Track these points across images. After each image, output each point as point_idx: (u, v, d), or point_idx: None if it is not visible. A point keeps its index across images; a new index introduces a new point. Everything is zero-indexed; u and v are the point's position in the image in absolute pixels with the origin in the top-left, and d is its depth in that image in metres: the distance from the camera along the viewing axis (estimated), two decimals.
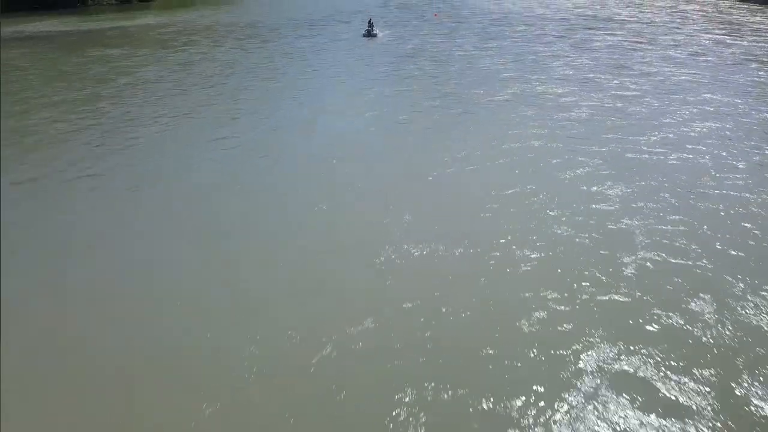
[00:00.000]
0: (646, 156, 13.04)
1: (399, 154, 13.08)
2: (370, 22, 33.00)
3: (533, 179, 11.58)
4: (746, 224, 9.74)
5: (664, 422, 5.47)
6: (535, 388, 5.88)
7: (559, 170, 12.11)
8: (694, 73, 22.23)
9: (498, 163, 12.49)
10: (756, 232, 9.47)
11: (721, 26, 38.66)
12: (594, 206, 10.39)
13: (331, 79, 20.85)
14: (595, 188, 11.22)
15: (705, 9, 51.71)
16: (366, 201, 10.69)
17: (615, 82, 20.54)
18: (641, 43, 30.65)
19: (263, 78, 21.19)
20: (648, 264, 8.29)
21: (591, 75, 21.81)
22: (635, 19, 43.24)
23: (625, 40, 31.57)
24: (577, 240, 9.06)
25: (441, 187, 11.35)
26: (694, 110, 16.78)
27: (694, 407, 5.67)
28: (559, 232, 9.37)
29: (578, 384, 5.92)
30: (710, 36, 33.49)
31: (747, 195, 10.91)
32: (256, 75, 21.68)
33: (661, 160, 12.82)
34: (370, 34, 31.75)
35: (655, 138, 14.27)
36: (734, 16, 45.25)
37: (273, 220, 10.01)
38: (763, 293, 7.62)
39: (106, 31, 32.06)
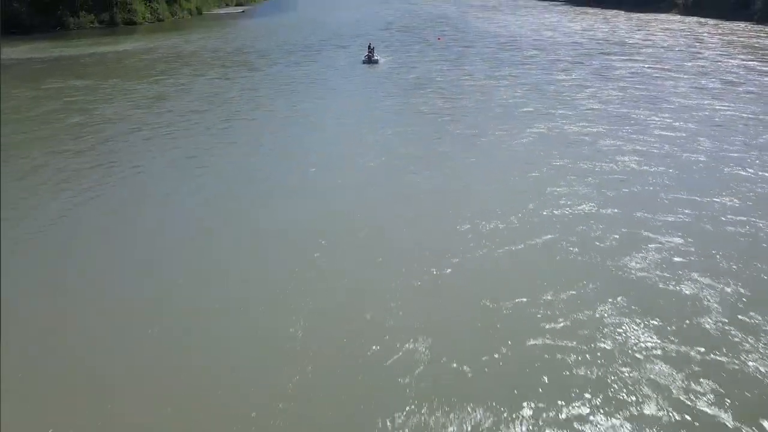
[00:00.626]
0: (734, 228, 10.00)
1: (411, 231, 9.97)
2: (370, 47, 30.34)
3: (584, 265, 8.54)
4: None
5: None
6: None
7: (620, 253, 9.05)
8: (742, 107, 19.41)
9: (535, 243, 9.46)
10: None
11: (745, 51, 36.03)
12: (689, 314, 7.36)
13: (325, 118, 17.85)
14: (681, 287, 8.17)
15: (720, 32, 49.31)
16: (375, 300, 7.71)
17: (654, 118, 17.65)
18: (667, 70, 27.94)
19: (243, 116, 18.13)
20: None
21: (624, 110, 18.95)
22: (650, 42, 40.70)
23: (648, 67, 28.86)
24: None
25: (464, 273, 8.34)
26: (765, 156, 13.81)
27: None
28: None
29: None
30: (738, 62, 30.80)
31: None
32: (236, 112, 18.66)
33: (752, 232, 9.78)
34: (370, 60, 29.03)
35: (730, 198, 11.26)
36: (754, 40, 42.70)
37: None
38: None
39: (80, 59, 29.25)
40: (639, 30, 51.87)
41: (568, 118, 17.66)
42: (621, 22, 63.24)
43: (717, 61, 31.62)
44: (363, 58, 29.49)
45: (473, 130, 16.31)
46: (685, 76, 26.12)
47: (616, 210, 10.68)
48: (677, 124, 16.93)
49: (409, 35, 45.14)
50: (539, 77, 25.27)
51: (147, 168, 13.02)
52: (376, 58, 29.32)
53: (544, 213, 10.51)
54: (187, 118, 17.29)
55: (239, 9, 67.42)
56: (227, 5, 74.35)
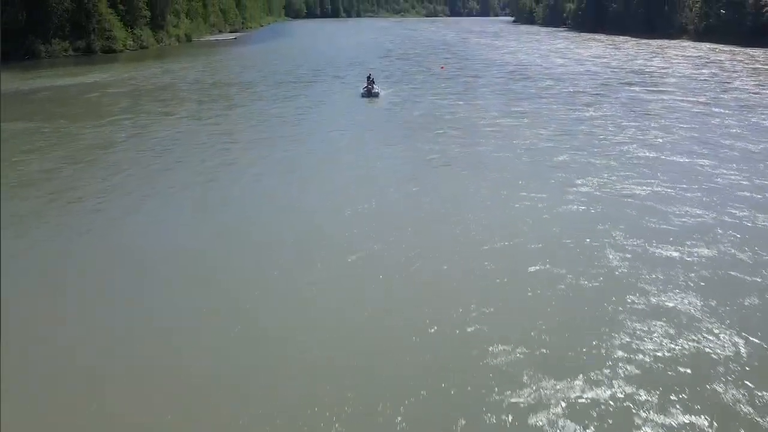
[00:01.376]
0: None
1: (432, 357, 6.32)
2: (369, 78, 26.99)
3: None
4: None
5: None
6: None
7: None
8: None
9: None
10: None
11: None
12: None
13: (314, 179, 13.83)
14: None
15: (740, 59, 46.34)
16: None
17: (723, 171, 14.05)
18: (704, 104, 24.63)
19: (209, 172, 13.87)
20: None
21: (681, 158, 15.40)
22: (669, 71, 37.56)
23: (681, 100, 25.53)
24: None
25: None
26: None
27: None
28: None
29: None
30: None
31: None
32: (202, 164, 14.52)
33: None
34: (369, 93, 25.65)
35: None
36: None
37: None
38: None
39: (38, 92, 25.62)
40: (654, 57, 48.89)
41: (614, 171, 14.07)
42: (632, 48, 60.40)
43: (754, 93, 28.38)
44: (362, 91, 26.13)
45: (500, 189, 12.67)
46: (728, 111, 22.75)
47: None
48: (757, 180, 13.31)
49: (410, 64, 41.97)
50: (563, 114, 21.80)
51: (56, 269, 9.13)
52: (376, 90, 25.96)
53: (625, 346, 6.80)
54: (133, 181, 13.36)
55: (231, 36, 64.63)
56: (220, 31, 71.82)
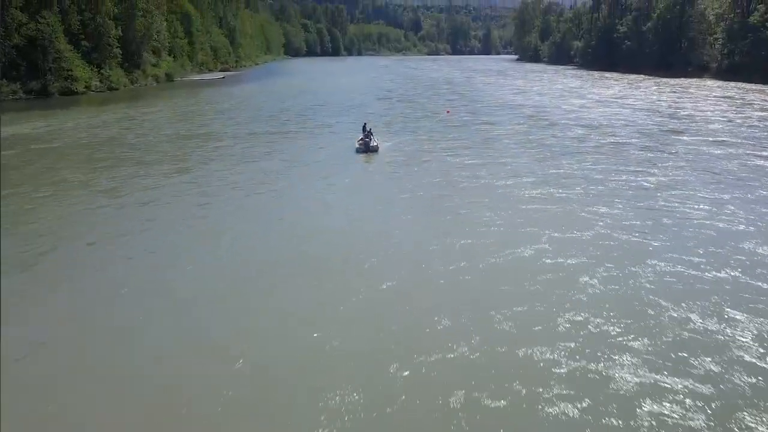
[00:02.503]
0: None
1: None
2: (365, 128, 21.87)
3: None
4: None
5: None
6: None
7: None
8: None
9: None
10: None
11: None
12: None
13: (286, 293, 8.72)
14: None
15: None
16: None
17: None
18: None
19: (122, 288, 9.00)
20: None
21: None
22: (710, 114, 32.80)
23: (753, 155, 20.31)
24: None
25: None
26: None
27: None
28: None
29: None
30: None
31: None
32: (122, 271, 9.52)
33: None
34: (367, 147, 20.50)
35: None
36: None
37: None
38: None
39: None
40: (681, 98, 43.99)
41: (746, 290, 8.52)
42: (652, 87, 55.67)
43: None
44: (357, 145, 20.90)
45: (562, 314, 7.24)
46: None
47: None
48: None
49: (412, 107, 36.96)
50: (623, 180, 16.41)
51: None
52: (374, 143, 20.76)
53: None
54: None
55: (220, 75, 60.06)
56: (210, 71, 67.50)
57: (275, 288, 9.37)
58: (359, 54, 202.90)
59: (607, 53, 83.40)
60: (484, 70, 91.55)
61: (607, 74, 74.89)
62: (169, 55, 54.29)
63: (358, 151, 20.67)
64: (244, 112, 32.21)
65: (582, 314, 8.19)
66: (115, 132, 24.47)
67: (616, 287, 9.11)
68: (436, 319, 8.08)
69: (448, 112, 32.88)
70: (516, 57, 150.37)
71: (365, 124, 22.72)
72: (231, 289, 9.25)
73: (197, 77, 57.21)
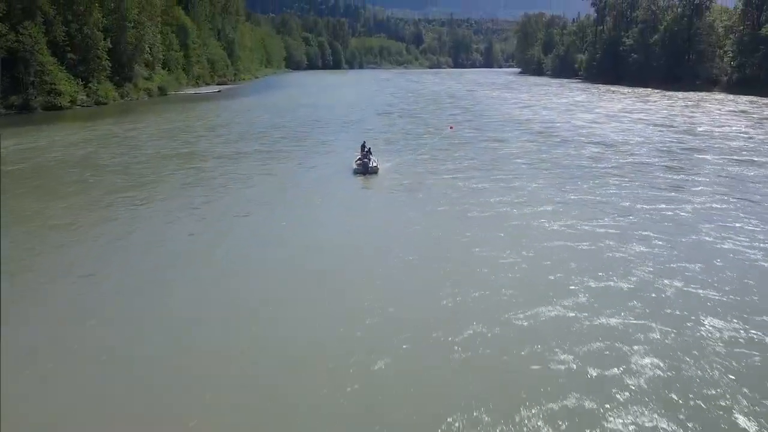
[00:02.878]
0: None
1: None
2: (364, 147, 20.05)
3: None
4: None
5: None
6: None
7: None
8: None
9: None
10: None
11: None
12: None
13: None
14: None
15: None
16: None
17: None
18: None
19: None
20: None
21: None
22: (729, 130, 31.07)
23: None
24: None
25: None
26: None
27: None
28: None
29: None
30: None
31: None
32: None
33: None
34: (366, 168, 18.66)
35: None
36: None
37: None
38: None
39: None
40: (694, 113, 42.17)
41: None
42: (662, 101, 53.89)
43: None
44: (354, 165, 19.03)
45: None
46: None
47: None
48: None
49: (414, 122, 35.13)
50: (654, 209, 14.48)
51: None
52: (373, 164, 18.89)
53: None
54: None
55: (215, 89, 58.41)
56: (207, 84, 65.86)
57: (249, 344, 7.41)
58: (361, 67, 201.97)
59: (612, 66, 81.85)
60: (487, 83, 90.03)
61: (613, 88, 73.23)
62: (164, 68, 52.59)
63: (355, 172, 18.77)
64: (235, 128, 30.20)
65: (641, 414, 6.17)
66: (90, 151, 22.49)
67: (676, 365, 7.10)
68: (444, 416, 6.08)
69: (451, 128, 31.04)
70: (519, 70, 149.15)
71: (364, 142, 20.84)
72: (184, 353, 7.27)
73: (192, 91, 55.48)
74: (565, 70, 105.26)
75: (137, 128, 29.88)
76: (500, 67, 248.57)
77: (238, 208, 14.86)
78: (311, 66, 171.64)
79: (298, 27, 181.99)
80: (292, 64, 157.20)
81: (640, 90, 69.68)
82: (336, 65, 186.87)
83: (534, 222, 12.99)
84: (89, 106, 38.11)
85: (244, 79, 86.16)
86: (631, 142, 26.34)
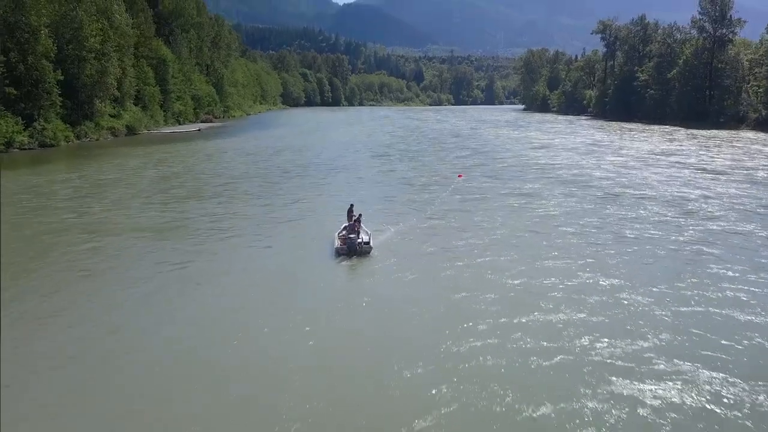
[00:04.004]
0: None
1: None
2: (351, 212, 14.46)
3: None
4: None
5: None
6: None
7: None
8: None
9: None
10: None
11: None
12: None
13: None
14: None
15: None
16: None
17: None
18: None
19: None
20: None
21: None
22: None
23: None
24: None
25: None
26: None
27: None
28: None
29: None
30: None
31: None
32: None
33: None
34: (352, 248, 12.95)
35: None
36: None
37: None
38: None
39: None
40: (741, 156, 36.44)
41: None
42: (690, 141, 48.53)
43: None
44: (337, 242, 13.38)
45: None
46: None
47: None
48: None
49: (416, 167, 29.51)
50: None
51: None
52: (363, 239, 13.14)
53: None
54: None
55: (194, 127, 53.05)
56: (190, 121, 60.66)
57: None
58: (360, 104, 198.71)
59: (625, 102, 77.07)
60: (492, 120, 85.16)
61: (628, 125, 68.04)
62: (137, 104, 47.30)
63: (338, 252, 12.99)
64: (191, 181, 24.08)
65: None
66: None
67: None
68: None
69: (460, 176, 25.39)
70: (522, 107, 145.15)
71: (351, 205, 15.11)
72: None
73: (169, 130, 50.12)
74: (572, 106, 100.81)
75: (63, 180, 23.84)
76: (501, 103, 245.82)
77: (136, 326, 8.96)
78: (309, 103, 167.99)
79: (297, 63, 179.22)
80: (289, 100, 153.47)
81: (657, 127, 64.53)
82: (335, 102, 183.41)
83: (623, 359, 7.06)
84: (31, 148, 32.25)
85: (234, 116, 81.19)
86: (692, 197, 20.64)
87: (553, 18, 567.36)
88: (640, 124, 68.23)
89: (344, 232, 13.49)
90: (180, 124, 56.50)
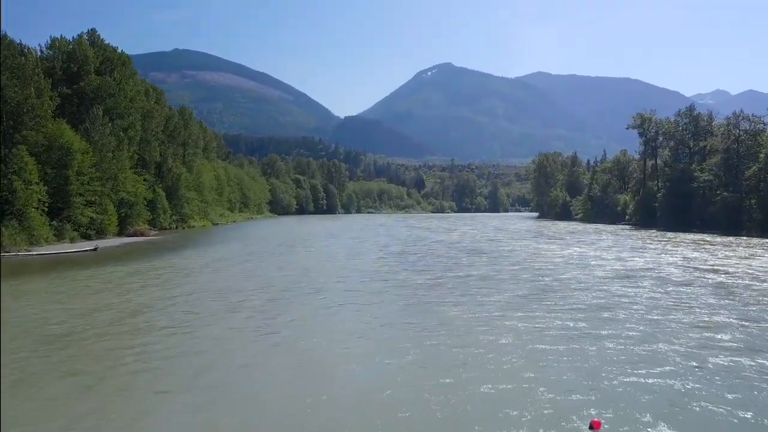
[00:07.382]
0: None
1: None
2: None
3: None
4: None
5: None
6: None
7: None
8: None
9: None
10: None
11: None
12: None
13: None
14: None
15: None
16: None
17: None
18: None
19: None
20: None
21: None
22: None
23: None
24: None
25: None
26: None
27: None
28: None
29: None
30: None
31: None
32: None
33: None
34: None
35: None
36: None
37: None
38: None
39: None
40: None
41: None
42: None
43: None
44: None
45: None
46: None
47: None
48: None
49: (422, 325, 13.17)
50: None
51: None
52: None
53: None
54: None
55: (90, 246, 36.68)
56: (114, 236, 45.03)
57: None
58: (358, 211, 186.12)
59: (680, 208, 61.72)
60: (509, 230, 69.77)
61: (690, 236, 52.30)
62: (4, 213, 31.81)
63: None
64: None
65: None
66: None
67: None
68: None
69: (597, 426, 8.49)
70: (536, 214, 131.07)
71: None
72: None
73: (51, 250, 34.05)
74: (602, 213, 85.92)
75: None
76: (507, 210, 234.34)
77: None
78: (301, 210, 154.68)
79: (290, 169, 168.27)
80: (278, 208, 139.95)
81: (734, 239, 48.86)
82: (330, 209, 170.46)
83: None
84: None
85: (192, 227, 65.92)
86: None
87: (549, 130, 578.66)
88: (705, 235, 52.51)
89: None
90: (89, 239, 40.46)
